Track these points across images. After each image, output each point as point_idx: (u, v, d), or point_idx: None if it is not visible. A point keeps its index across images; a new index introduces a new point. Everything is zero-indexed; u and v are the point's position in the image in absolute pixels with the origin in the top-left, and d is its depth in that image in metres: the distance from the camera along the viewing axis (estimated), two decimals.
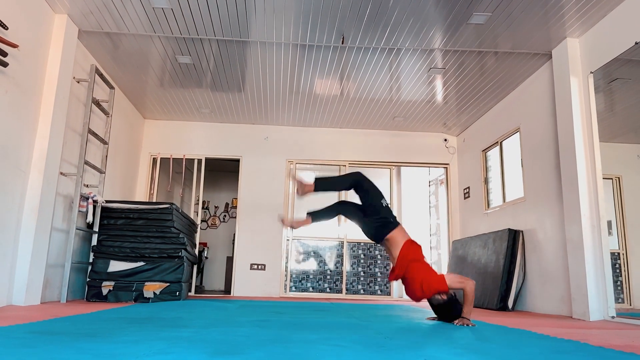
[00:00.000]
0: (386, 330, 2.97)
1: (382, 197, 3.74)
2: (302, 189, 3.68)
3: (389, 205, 3.81)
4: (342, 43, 5.21)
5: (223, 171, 9.82)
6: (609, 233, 4.65)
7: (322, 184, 3.76)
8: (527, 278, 5.80)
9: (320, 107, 7.21)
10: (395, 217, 3.75)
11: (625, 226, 4.90)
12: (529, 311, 5.63)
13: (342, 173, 7.73)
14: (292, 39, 5.17)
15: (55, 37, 4.72)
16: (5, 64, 3.85)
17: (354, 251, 7.84)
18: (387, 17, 4.69)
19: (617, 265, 4.78)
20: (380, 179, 7.58)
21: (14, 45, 3.93)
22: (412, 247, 3.59)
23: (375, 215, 3.67)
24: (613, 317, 4.34)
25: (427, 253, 8.59)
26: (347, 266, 7.75)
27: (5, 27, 3.85)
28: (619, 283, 4.74)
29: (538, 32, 4.85)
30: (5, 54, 3.85)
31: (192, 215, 7.86)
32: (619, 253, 4.84)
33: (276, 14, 4.69)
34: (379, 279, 7.79)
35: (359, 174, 3.78)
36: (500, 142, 6.78)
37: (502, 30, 4.85)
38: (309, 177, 3.73)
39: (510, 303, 5.60)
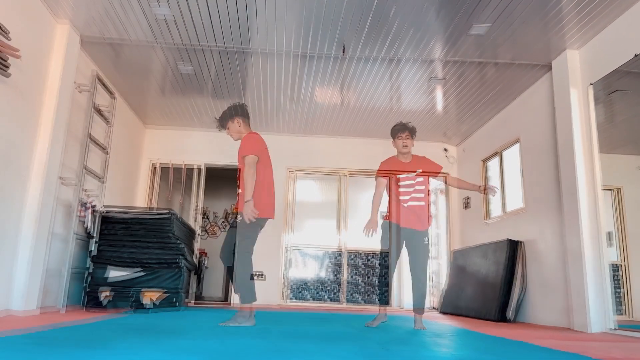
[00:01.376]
0: (385, 341, 2.96)
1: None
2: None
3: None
4: (343, 53, 5.23)
5: (223, 179, 9.81)
6: (609, 244, 4.64)
7: None
8: (527, 289, 5.77)
9: (321, 116, 7.22)
10: None
11: (625, 237, 4.89)
12: (530, 322, 5.61)
13: (341, 184, 7.72)
14: (293, 48, 5.19)
15: (57, 45, 4.74)
16: (7, 75, 3.85)
17: (353, 260, 7.82)
18: (387, 27, 4.72)
19: (618, 277, 4.76)
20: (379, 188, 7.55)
21: (15, 51, 3.94)
22: None
23: None
24: (613, 329, 4.32)
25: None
26: (346, 275, 7.73)
27: (7, 38, 3.86)
28: (619, 295, 4.72)
29: (538, 43, 4.87)
30: (7, 65, 3.85)
31: (192, 223, 7.84)
32: (619, 264, 4.83)
33: (277, 23, 4.71)
34: (378, 289, 7.76)
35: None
36: (500, 152, 6.79)
37: (502, 41, 4.87)
38: None
39: (510, 314, 5.57)
